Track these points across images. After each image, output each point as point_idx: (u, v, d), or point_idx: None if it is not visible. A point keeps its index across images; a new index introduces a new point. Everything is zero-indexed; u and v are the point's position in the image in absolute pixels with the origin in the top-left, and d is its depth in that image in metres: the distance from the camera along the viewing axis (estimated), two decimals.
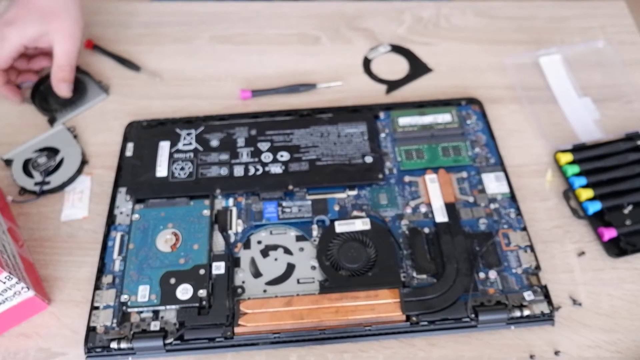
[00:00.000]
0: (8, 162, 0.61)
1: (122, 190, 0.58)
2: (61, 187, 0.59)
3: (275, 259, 0.54)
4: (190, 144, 0.61)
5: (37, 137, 0.62)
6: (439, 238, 0.53)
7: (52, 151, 0.61)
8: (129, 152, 0.61)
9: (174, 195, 0.57)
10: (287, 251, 0.54)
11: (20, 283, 0.47)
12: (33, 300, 0.49)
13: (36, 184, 0.59)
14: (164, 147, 0.60)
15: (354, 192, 0.57)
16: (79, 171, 0.60)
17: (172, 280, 0.51)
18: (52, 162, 0.59)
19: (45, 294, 0.52)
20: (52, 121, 0.64)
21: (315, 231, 0.55)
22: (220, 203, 0.57)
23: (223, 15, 0.76)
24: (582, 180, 0.57)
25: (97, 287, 0.52)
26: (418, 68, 0.70)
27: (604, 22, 0.74)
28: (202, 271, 0.51)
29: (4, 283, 0.46)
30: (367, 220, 0.54)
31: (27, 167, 0.60)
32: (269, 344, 0.49)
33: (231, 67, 0.70)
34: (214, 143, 0.61)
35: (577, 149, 0.60)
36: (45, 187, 0.58)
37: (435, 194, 0.57)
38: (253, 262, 0.53)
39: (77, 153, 0.61)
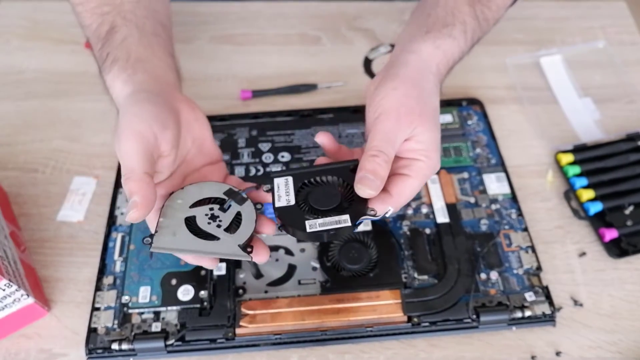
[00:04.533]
0: None
1: (123, 190, 0.58)
2: None
3: (277, 260, 0.53)
4: None
5: None
6: (440, 239, 0.53)
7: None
8: None
9: None
10: (289, 252, 0.54)
11: (20, 290, 0.47)
12: (32, 307, 0.49)
13: None
14: None
15: None
16: None
17: (173, 281, 0.51)
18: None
19: (45, 300, 0.52)
20: None
21: None
22: None
23: (223, 15, 0.76)
24: (583, 181, 0.57)
25: (98, 288, 0.51)
26: None
27: (604, 22, 0.74)
28: (203, 272, 0.51)
29: (4, 290, 0.46)
30: (369, 221, 0.54)
31: None
32: (271, 345, 0.49)
33: (231, 67, 0.70)
34: None
35: (578, 149, 0.60)
36: None
37: (436, 195, 0.56)
38: (254, 263, 0.53)
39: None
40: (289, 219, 0.41)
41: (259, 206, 0.44)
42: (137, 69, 0.47)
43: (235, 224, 0.42)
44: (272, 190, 0.43)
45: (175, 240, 0.41)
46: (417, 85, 0.44)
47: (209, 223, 0.42)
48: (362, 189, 0.40)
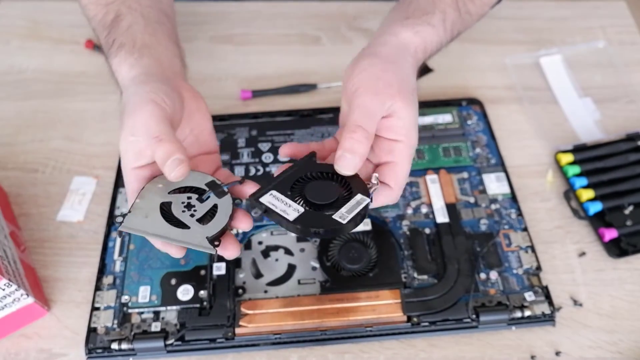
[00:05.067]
0: None
1: (123, 190, 0.58)
2: None
3: (276, 260, 0.53)
4: None
5: None
6: (440, 238, 0.53)
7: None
8: None
9: None
10: (288, 252, 0.54)
11: (20, 290, 0.47)
12: (32, 307, 0.49)
13: None
14: None
15: None
16: None
17: (173, 281, 0.51)
18: None
19: (45, 300, 0.52)
20: None
21: None
22: None
23: (223, 15, 0.76)
24: (583, 181, 0.57)
25: (98, 287, 0.51)
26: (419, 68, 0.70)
27: (604, 22, 0.74)
28: (202, 272, 0.51)
29: (4, 290, 0.46)
30: (368, 220, 0.54)
31: None
32: (270, 344, 0.49)
33: (231, 67, 0.70)
34: None
35: (577, 149, 0.60)
36: None
37: (436, 195, 0.57)
38: (254, 262, 0.53)
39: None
40: (313, 224, 0.39)
41: (237, 201, 0.43)
42: (144, 53, 0.47)
43: (209, 216, 0.42)
44: (269, 211, 0.40)
45: (145, 222, 0.40)
46: (395, 63, 0.44)
47: (183, 211, 0.41)
48: (341, 168, 0.40)
